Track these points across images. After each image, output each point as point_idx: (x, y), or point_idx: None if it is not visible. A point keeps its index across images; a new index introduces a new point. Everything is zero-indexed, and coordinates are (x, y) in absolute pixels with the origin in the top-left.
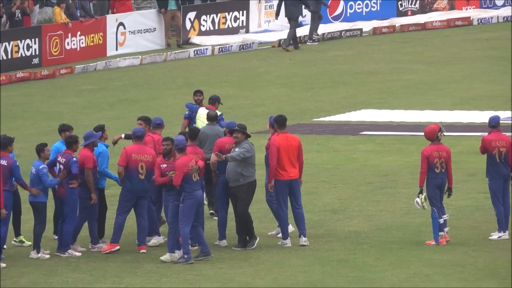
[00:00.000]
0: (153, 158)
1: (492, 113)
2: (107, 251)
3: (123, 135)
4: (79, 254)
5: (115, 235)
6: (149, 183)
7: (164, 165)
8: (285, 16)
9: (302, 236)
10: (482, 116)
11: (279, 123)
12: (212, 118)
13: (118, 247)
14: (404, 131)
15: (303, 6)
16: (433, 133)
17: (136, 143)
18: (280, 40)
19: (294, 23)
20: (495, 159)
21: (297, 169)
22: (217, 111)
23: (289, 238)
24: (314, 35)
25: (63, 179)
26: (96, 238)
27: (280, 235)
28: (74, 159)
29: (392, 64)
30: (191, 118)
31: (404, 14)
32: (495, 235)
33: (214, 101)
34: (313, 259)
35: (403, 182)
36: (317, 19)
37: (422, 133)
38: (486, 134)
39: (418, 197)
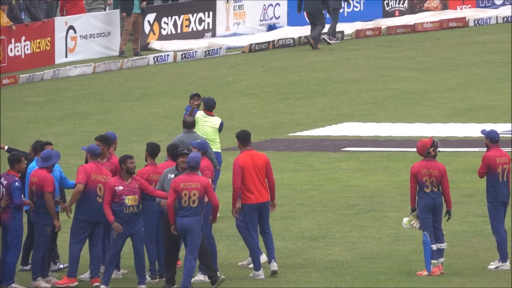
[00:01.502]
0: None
1: (490, 126)
2: (62, 286)
3: (6, 147)
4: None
5: (72, 268)
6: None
7: (120, 187)
8: (304, 10)
9: (272, 261)
10: (480, 129)
11: (241, 139)
12: (188, 125)
13: (76, 283)
14: (392, 146)
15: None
16: (424, 148)
17: (92, 161)
18: (250, 45)
19: (321, 19)
20: (497, 178)
21: (266, 190)
22: (216, 117)
23: (261, 269)
24: (330, 36)
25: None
26: (44, 271)
27: (251, 265)
28: (17, 184)
29: (378, 71)
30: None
31: (391, 14)
32: (494, 265)
33: (211, 106)
34: None
35: (391, 204)
36: (337, 17)
37: (412, 149)
38: (484, 150)
39: (410, 216)
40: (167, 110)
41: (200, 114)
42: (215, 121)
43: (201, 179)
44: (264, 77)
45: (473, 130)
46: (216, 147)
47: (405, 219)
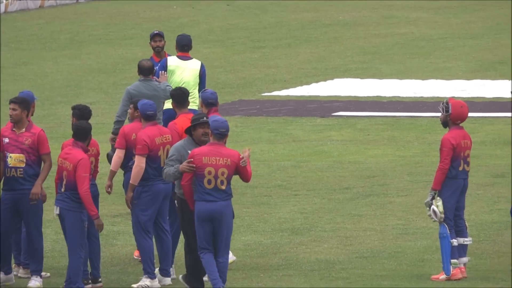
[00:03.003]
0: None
1: None
2: None
3: None
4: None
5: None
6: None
7: (6, 140)
8: None
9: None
10: None
11: (176, 99)
12: (145, 70)
13: None
14: (398, 111)
15: None
16: (467, 110)
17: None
18: None
19: None
20: None
21: None
22: (194, 59)
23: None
24: None
25: None
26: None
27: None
28: None
29: (380, 10)
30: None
31: None
32: None
33: (185, 45)
34: None
35: (396, 187)
36: None
37: (426, 114)
38: None
39: (432, 203)
40: (102, 62)
41: (172, 60)
42: (194, 64)
43: (232, 153)
44: (230, 18)
45: (505, 89)
46: (195, 103)
47: (435, 208)
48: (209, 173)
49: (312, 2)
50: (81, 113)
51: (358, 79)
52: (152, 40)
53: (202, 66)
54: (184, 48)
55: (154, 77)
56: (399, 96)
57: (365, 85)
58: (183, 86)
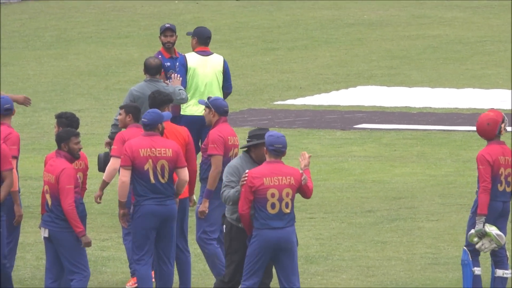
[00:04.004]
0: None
1: None
2: None
3: None
4: None
5: None
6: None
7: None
8: None
9: None
10: None
11: (152, 105)
12: (152, 69)
13: None
14: (430, 123)
15: None
16: (496, 125)
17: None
18: None
19: None
20: None
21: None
22: (216, 54)
23: None
24: None
25: None
26: None
27: None
28: None
29: (410, 9)
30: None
31: None
32: None
33: (206, 38)
34: None
35: (426, 210)
36: None
37: (460, 127)
38: None
39: (487, 228)
40: (92, 63)
41: (192, 57)
42: (216, 60)
43: (294, 171)
44: (239, 15)
45: None
46: None
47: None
48: (272, 195)
49: None
50: (68, 122)
51: (385, 87)
52: (163, 34)
53: (224, 62)
54: (207, 41)
55: (165, 80)
56: (430, 107)
57: (392, 93)
58: (206, 89)
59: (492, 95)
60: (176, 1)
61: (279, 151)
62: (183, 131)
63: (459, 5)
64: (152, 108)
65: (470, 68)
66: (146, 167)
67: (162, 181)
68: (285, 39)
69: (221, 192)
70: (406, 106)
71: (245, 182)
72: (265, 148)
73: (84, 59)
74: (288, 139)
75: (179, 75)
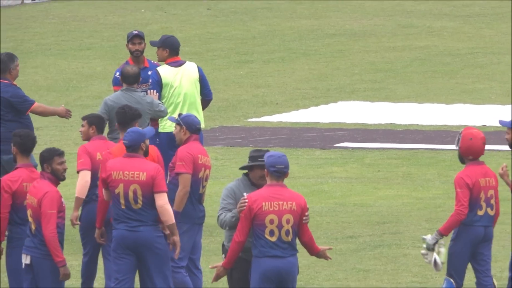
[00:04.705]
0: None
1: None
2: None
3: None
4: None
5: None
6: None
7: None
8: None
9: None
10: None
11: (120, 119)
12: (130, 78)
13: None
14: (417, 142)
15: None
16: (483, 143)
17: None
18: None
19: None
20: None
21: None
22: (189, 62)
23: None
24: None
25: None
26: None
27: None
28: None
29: (396, 18)
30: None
31: None
32: None
33: (176, 48)
34: None
35: (412, 236)
36: None
37: (450, 146)
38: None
39: (436, 248)
40: (52, 77)
41: (165, 70)
42: (191, 69)
43: (296, 195)
44: (211, 25)
45: None
46: (200, 119)
47: (442, 252)
48: (271, 222)
49: (312, 7)
50: (22, 141)
51: (368, 103)
52: (130, 42)
53: (199, 69)
54: (177, 52)
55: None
56: (417, 124)
57: (376, 109)
58: (186, 101)
59: (484, 111)
60: (143, 10)
61: (281, 172)
62: (152, 150)
63: (449, 14)
64: (121, 123)
65: (460, 82)
66: (117, 191)
67: (135, 206)
68: (261, 51)
69: (218, 215)
70: (391, 123)
71: (244, 207)
72: (266, 170)
73: (42, 73)
74: None
75: (155, 90)
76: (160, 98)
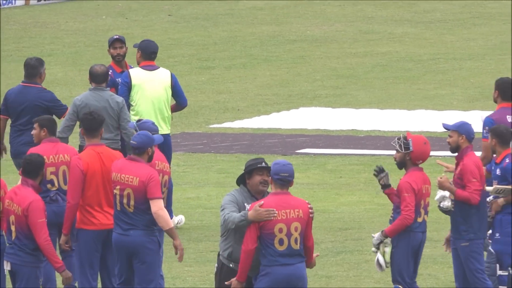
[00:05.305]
0: None
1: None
2: None
3: None
4: None
5: None
6: None
7: None
8: None
9: None
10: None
11: (86, 125)
12: (98, 77)
13: None
14: (379, 148)
15: None
16: (429, 147)
17: None
18: None
19: None
20: (484, 200)
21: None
22: (162, 68)
23: None
24: None
25: None
26: None
27: None
28: None
29: (358, 24)
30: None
31: None
32: None
33: (152, 53)
34: None
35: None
36: None
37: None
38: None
39: (381, 247)
40: (13, 84)
41: (136, 73)
42: (163, 75)
43: (302, 203)
44: (172, 31)
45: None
46: (167, 126)
47: (380, 258)
48: (280, 231)
49: (273, 13)
50: (29, 166)
51: (329, 109)
52: (111, 47)
53: (172, 76)
54: (151, 56)
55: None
56: (379, 130)
57: (338, 115)
58: (155, 105)
59: (446, 117)
60: (104, 17)
61: (285, 180)
62: (118, 155)
63: (410, 20)
64: (88, 130)
65: (422, 88)
66: (115, 192)
67: (128, 209)
68: (222, 57)
69: (222, 214)
70: (352, 129)
71: (271, 218)
72: (270, 178)
73: (4, 79)
74: (225, 165)
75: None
76: (126, 99)
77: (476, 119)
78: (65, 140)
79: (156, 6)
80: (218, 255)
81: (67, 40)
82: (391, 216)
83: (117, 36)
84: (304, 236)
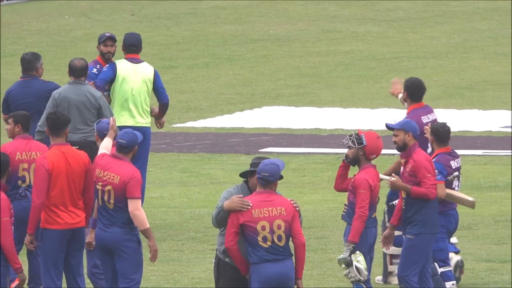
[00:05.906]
0: None
1: (501, 113)
2: None
3: None
4: None
5: None
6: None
7: None
8: None
9: None
10: (485, 118)
11: (51, 124)
12: (77, 71)
13: None
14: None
15: None
16: (381, 143)
17: None
18: None
19: None
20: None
21: (82, 211)
22: (145, 63)
23: None
24: None
25: None
26: None
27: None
28: None
29: (320, 23)
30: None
31: None
32: None
33: (136, 46)
34: None
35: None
36: None
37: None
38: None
39: (354, 258)
40: None
41: (122, 64)
42: (147, 70)
43: (285, 201)
44: (134, 31)
45: (475, 120)
46: (146, 119)
47: (358, 265)
48: (263, 228)
49: (236, 13)
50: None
51: (293, 108)
52: (103, 44)
53: (155, 72)
54: (131, 48)
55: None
56: (342, 129)
57: (301, 114)
58: (135, 97)
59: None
60: (66, 17)
61: (265, 179)
62: (83, 155)
63: (373, 18)
64: (52, 129)
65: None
66: (98, 187)
67: (109, 206)
68: (185, 56)
69: (216, 208)
70: (315, 128)
71: (245, 209)
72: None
73: None
74: (188, 165)
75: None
76: (102, 86)
77: (440, 118)
78: (44, 134)
79: (119, 6)
80: (216, 250)
81: (30, 40)
82: (344, 211)
83: (109, 34)
84: (293, 234)
